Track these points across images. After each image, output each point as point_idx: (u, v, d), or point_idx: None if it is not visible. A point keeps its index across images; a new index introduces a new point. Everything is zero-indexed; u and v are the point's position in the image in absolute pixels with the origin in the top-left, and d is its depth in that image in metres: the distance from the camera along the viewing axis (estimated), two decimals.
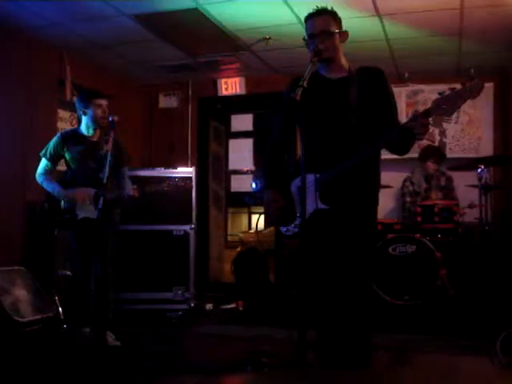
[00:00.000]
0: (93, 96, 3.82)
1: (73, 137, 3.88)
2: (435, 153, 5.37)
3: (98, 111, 3.79)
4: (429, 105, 2.40)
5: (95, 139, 3.88)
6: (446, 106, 2.31)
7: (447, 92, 2.31)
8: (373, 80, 2.62)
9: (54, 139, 3.90)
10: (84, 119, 3.86)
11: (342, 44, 2.67)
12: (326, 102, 2.62)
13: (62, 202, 3.77)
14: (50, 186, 3.82)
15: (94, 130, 3.86)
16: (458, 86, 2.31)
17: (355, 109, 2.57)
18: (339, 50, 2.65)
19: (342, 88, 2.61)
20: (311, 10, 2.62)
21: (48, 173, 3.85)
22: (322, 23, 2.57)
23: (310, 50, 2.58)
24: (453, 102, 2.31)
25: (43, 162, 3.87)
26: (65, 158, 3.86)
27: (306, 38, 2.61)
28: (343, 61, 2.68)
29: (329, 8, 2.61)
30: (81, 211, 3.73)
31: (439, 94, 2.34)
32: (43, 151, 3.88)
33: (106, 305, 3.80)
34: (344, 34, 2.64)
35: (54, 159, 3.86)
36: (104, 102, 3.82)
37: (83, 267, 3.82)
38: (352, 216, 2.58)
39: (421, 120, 2.39)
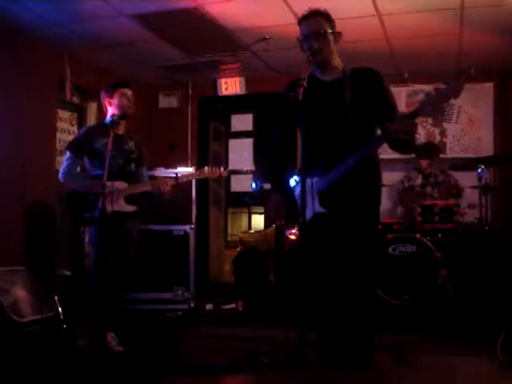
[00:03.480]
0: (118, 85, 3.79)
1: (99, 129, 3.78)
2: (418, 148, 5.36)
3: (123, 100, 3.76)
4: (415, 106, 2.44)
5: (120, 132, 3.81)
6: (430, 107, 2.35)
7: (431, 93, 2.35)
8: (367, 80, 2.64)
9: (81, 131, 3.86)
10: (110, 110, 3.79)
11: (341, 45, 2.69)
12: (322, 105, 2.64)
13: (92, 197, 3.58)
14: (79, 183, 3.67)
15: (119, 122, 3.76)
16: (442, 86, 2.35)
17: (351, 109, 2.58)
18: (333, 51, 2.68)
19: (337, 89, 2.63)
20: (304, 12, 2.67)
21: (73, 170, 3.72)
22: (316, 24, 2.62)
23: (304, 50, 2.63)
24: (436, 102, 2.35)
25: (69, 158, 3.72)
26: (90, 151, 3.71)
27: (300, 39, 2.65)
28: (337, 62, 2.71)
29: (322, 10, 2.66)
30: (110, 205, 3.53)
31: (426, 95, 2.38)
32: (68, 145, 3.80)
33: (117, 305, 3.78)
34: (338, 35, 2.68)
35: (80, 153, 3.73)
36: (129, 92, 3.80)
37: (104, 267, 3.66)
38: (353, 218, 2.58)
39: (406, 121, 2.42)
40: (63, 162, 3.76)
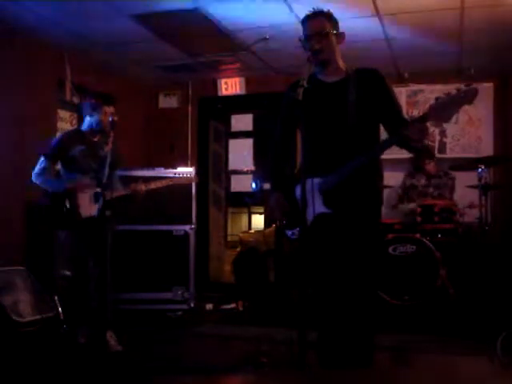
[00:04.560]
0: (104, 102, 3.85)
1: (75, 136, 3.91)
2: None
3: (105, 118, 3.81)
4: (425, 110, 2.40)
5: (96, 139, 3.91)
6: (442, 112, 2.32)
7: (442, 98, 2.31)
8: (371, 81, 2.63)
9: (58, 138, 3.93)
10: (88, 121, 3.89)
11: (342, 44, 2.68)
12: (325, 106, 2.62)
13: (67, 202, 3.72)
14: (51, 183, 3.78)
15: (96, 131, 3.88)
16: (454, 91, 2.30)
17: (354, 111, 2.57)
18: (336, 52, 2.66)
19: (340, 91, 2.62)
20: (307, 12, 2.65)
21: (46, 173, 3.80)
22: (318, 24, 2.60)
23: (306, 51, 2.60)
24: (448, 108, 2.31)
25: (43, 162, 3.82)
26: (65, 158, 3.82)
27: (302, 39, 2.64)
28: (340, 63, 2.69)
29: (325, 10, 2.64)
30: (84, 210, 3.72)
31: (436, 99, 2.34)
32: (44, 150, 3.85)
33: (106, 305, 3.80)
34: (341, 36, 2.66)
35: (55, 159, 3.83)
36: (111, 109, 3.87)
37: (83, 269, 3.79)
38: (357, 218, 2.58)
39: (418, 125, 2.40)
40: (37, 165, 3.83)
